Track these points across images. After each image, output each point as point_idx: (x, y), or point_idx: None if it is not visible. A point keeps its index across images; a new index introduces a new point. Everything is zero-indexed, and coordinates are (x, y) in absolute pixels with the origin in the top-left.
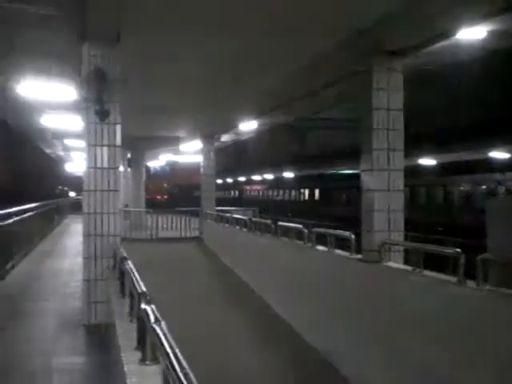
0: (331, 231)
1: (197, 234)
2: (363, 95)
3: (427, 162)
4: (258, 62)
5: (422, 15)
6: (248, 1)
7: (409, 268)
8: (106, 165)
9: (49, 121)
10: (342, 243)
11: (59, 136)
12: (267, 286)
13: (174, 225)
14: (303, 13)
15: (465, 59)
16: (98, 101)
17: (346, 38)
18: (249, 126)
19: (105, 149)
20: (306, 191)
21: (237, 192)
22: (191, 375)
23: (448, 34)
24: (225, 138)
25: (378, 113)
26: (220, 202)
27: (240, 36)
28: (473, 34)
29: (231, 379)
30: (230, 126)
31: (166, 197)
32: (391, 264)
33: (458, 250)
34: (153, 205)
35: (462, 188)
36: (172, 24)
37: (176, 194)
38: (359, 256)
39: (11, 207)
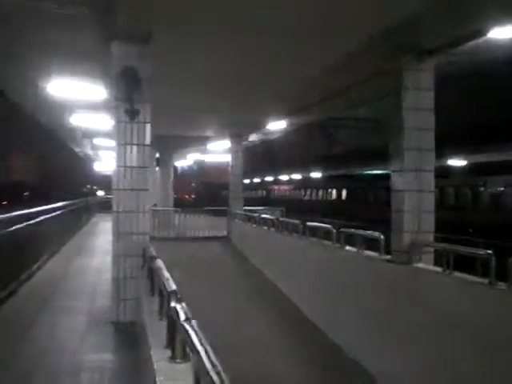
0: (360, 232)
1: (224, 233)
2: (393, 95)
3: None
4: (286, 61)
5: (453, 14)
6: (277, 1)
7: (439, 269)
8: (135, 164)
9: (78, 120)
10: (371, 244)
11: (89, 135)
12: (295, 287)
13: (201, 224)
14: (331, 12)
15: (498, 57)
16: (128, 100)
17: (375, 37)
18: (277, 125)
19: (134, 148)
20: (334, 191)
21: (264, 192)
22: (223, 373)
23: (480, 33)
24: (253, 137)
25: (408, 113)
26: (247, 201)
27: (268, 35)
28: (506, 33)
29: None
30: (258, 126)
31: (193, 196)
32: (421, 265)
33: (489, 251)
34: (181, 204)
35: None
36: (202, 23)
37: (203, 194)
38: (388, 257)
39: (40, 206)
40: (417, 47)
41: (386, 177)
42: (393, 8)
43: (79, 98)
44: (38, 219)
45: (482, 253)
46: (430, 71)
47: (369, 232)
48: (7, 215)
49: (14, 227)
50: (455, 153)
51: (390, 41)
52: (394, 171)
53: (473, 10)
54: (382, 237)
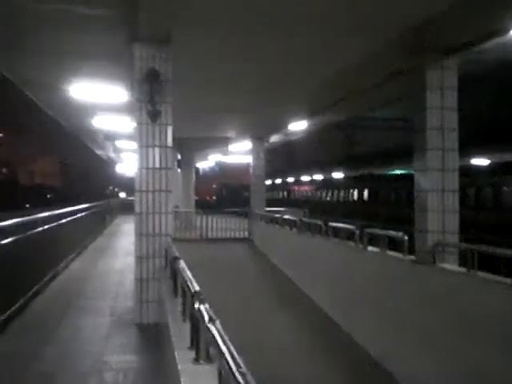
0: (384, 232)
1: (246, 234)
2: (416, 94)
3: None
4: (308, 61)
5: (477, 11)
6: (297, 2)
7: (463, 270)
8: (157, 165)
9: (100, 122)
10: (392, 244)
11: (111, 137)
12: (318, 288)
13: (223, 225)
14: (354, 11)
15: None
16: (150, 101)
17: (398, 36)
18: (298, 126)
19: (156, 149)
20: (355, 192)
21: (284, 193)
22: (249, 375)
23: (504, 30)
24: (274, 138)
25: (431, 112)
26: (268, 202)
27: (291, 35)
28: None
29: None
30: (280, 127)
31: (214, 198)
32: (445, 266)
33: None
34: (202, 206)
35: None
36: (223, 23)
37: (224, 195)
38: (412, 257)
39: (63, 208)
40: (440, 45)
41: (407, 177)
42: (417, 6)
43: (101, 101)
44: (60, 221)
45: (509, 252)
46: (454, 70)
47: (392, 232)
48: (32, 217)
49: (39, 228)
50: (479, 152)
51: (413, 39)
52: (417, 171)
53: (497, 8)
54: (406, 237)
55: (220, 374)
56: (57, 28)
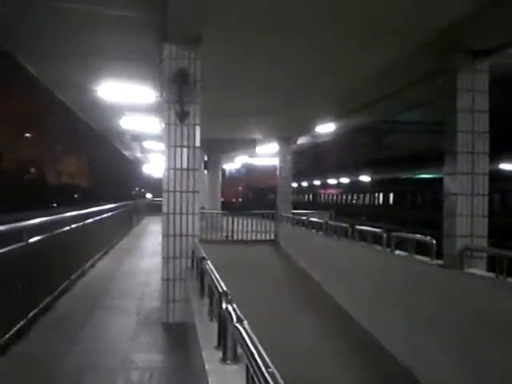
0: (411, 236)
1: (272, 236)
2: (447, 97)
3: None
4: (335, 63)
5: (509, 13)
6: (326, 2)
7: (492, 275)
8: (185, 166)
9: (128, 123)
10: (420, 248)
11: (138, 138)
12: (344, 290)
13: (249, 227)
14: (389, 12)
15: None
16: (179, 102)
17: (428, 37)
18: (325, 128)
19: (184, 150)
20: (381, 195)
21: (311, 196)
22: (277, 375)
23: None
24: (301, 140)
25: (462, 115)
26: (294, 204)
27: (318, 37)
28: None
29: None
30: (307, 129)
31: (240, 200)
32: (473, 271)
33: None
34: (228, 207)
35: None
36: (252, 23)
37: (250, 197)
38: (440, 262)
39: (92, 207)
40: (472, 47)
41: (433, 181)
42: (449, 7)
43: (129, 101)
44: (88, 220)
45: None
46: (485, 72)
47: (419, 236)
48: (59, 216)
49: (66, 228)
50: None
51: (444, 41)
52: (446, 174)
53: None
54: (434, 241)
55: (248, 373)
56: (85, 29)
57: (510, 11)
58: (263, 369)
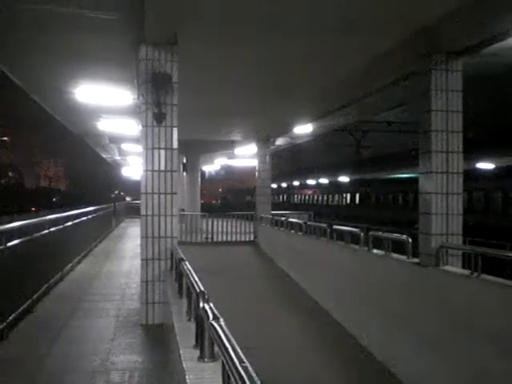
0: (388, 235)
1: (251, 238)
2: (421, 97)
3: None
4: (311, 64)
5: (482, 14)
6: (302, 2)
7: (467, 272)
8: (163, 168)
9: (106, 125)
10: (395, 247)
11: (116, 140)
12: (323, 290)
13: (228, 229)
14: (363, 12)
15: None
16: (156, 104)
17: (403, 38)
18: (304, 129)
19: (162, 152)
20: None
21: (285, 196)
22: (251, 370)
23: (509, 34)
24: (279, 141)
25: (436, 114)
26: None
27: (294, 38)
28: None
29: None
30: (285, 130)
31: (219, 201)
32: (449, 268)
33: None
34: (207, 209)
35: None
36: (228, 25)
37: (229, 199)
38: (416, 260)
39: (70, 210)
40: (446, 48)
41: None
42: (424, 8)
43: (106, 104)
44: (67, 224)
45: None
46: (459, 72)
47: (396, 235)
48: (37, 219)
49: (45, 231)
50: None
51: (419, 41)
52: (421, 173)
53: (503, 10)
54: (410, 240)
55: (224, 370)
56: (62, 31)
57: (482, 12)
58: (237, 363)
